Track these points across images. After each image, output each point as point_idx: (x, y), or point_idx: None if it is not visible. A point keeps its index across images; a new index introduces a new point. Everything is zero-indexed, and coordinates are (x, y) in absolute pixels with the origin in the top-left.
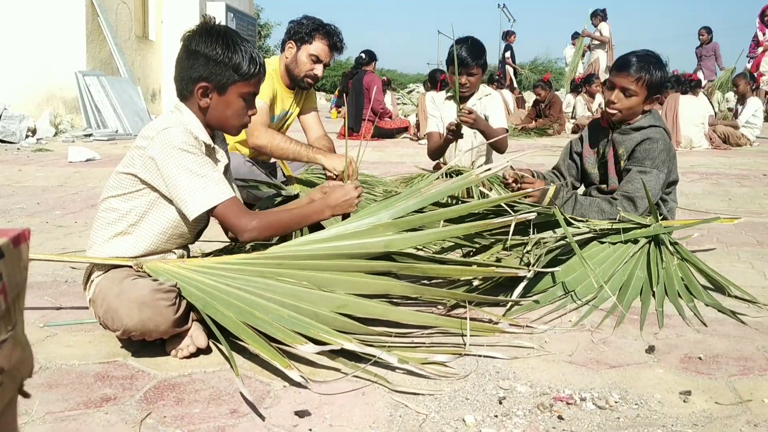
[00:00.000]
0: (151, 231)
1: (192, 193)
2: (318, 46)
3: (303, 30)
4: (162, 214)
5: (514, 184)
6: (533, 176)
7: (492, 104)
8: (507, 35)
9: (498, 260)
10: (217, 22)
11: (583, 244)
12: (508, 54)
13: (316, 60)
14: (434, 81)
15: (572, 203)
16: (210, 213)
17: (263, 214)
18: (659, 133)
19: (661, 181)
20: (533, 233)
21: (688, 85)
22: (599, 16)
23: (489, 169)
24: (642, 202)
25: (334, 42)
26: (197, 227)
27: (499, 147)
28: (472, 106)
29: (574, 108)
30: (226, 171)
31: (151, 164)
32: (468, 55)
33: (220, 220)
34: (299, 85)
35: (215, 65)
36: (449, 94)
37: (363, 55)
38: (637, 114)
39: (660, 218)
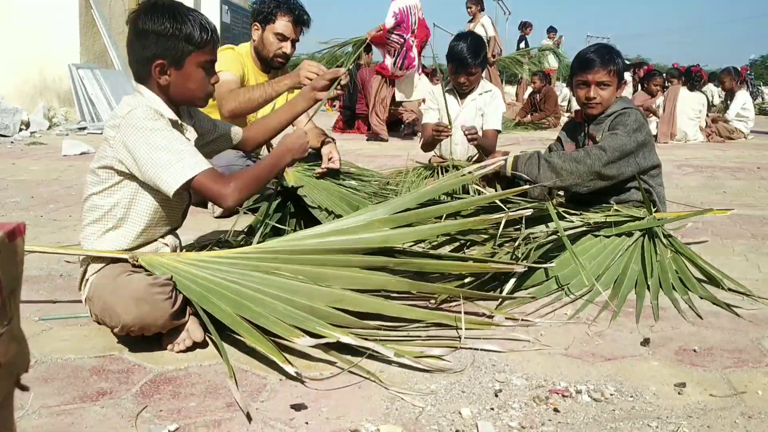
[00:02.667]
0: (139, 221)
1: (166, 168)
2: (281, 24)
3: (265, 9)
4: (146, 201)
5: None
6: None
7: (491, 102)
8: (523, 26)
9: (492, 255)
10: None
11: (577, 237)
12: (522, 45)
13: (282, 38)
14: None
15: (536, 162)
16: (188, 186)
17: (236, 176)
18: (632, 111)
19: (634, 142)
20: (524, 228)
21: (697, 81)
22: (477, 4)
23: (485, 167)
24: (611, 153)
25: (298, 15)
26: (181, 206)
27: (488, 150)
28: (471, 102)
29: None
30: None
31: (123, 151)
32: (468, 55)
33: (199, 192)
34: (271, 66)
35: (167, 40)
36: (448, 87)
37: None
38: (612, 102)
39: (653, 210)
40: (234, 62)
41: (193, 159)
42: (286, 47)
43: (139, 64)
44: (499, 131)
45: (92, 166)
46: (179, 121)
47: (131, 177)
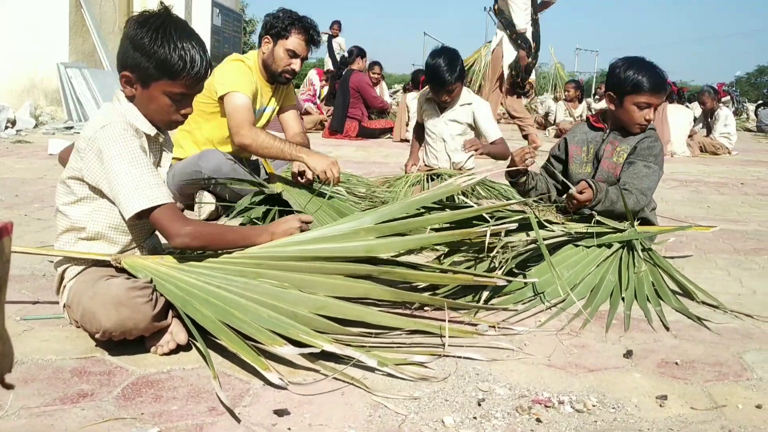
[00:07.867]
0: (112, 234)
1: (126, 194)
2: (294, 41)
3: (279, 24)
4: (111, 215)
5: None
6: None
7: (479, 114)
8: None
9: (474, 262)
10: (170, 9)
11: (557, 246)
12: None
13: (293, 55)
14: (416, 82)
15: (604, 194)
16: (145, 215)
17: (200, 225)
18: (656, 134)
19: (659, 179)
20: (503, 236)
21: (682, 97)
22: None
23: (472, 177)
24: (650, 197)
25: (311, 36)
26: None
27: (503, 156)
28: (452, 112)
29: (555, 113)
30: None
31: (94, 165)
32: (446, 74)
33: (154, 224)
34: (278, 80)
35: (140, 56)
36: (429, 96)
37: (354, 49)
38: None
39: (639, 221)
40: (247, 80)
41: (152, 191)
42: (296, 65)
43: (118, 65)
44: (502, 138)
45: (62, 177)
46: (156, 133)
47: (99, 191)
